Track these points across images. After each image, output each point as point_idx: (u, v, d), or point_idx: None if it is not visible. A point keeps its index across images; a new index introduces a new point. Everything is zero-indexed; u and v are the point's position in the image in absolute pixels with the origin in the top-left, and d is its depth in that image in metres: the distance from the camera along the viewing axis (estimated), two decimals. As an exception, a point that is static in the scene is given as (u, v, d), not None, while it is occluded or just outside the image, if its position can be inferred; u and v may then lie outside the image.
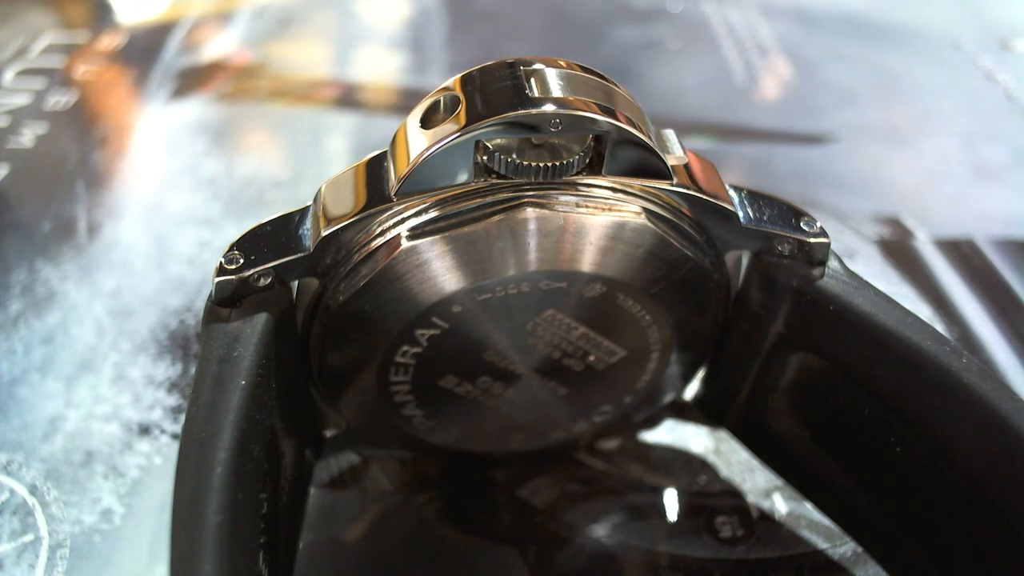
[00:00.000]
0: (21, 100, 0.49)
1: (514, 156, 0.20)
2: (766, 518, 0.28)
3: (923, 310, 0.36)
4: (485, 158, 0.20)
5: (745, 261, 0.25)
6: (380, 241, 0.21)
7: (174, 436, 0.30)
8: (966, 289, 0.37)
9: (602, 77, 0.21)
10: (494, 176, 0.20)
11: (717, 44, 0.57)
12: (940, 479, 0.22)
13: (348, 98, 0.51)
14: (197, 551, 0.16)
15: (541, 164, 0.20)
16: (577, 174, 0.21)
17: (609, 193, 0.21)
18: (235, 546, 0.17)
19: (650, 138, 0.21)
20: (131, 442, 0.29)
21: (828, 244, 0.23)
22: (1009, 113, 0.51)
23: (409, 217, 0.21)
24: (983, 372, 0.20)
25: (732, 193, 0.23)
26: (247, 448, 0.19)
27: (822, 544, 0.27)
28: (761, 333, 0.25)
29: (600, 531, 0.27)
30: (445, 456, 0.29)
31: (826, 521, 0.27)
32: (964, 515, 0.21)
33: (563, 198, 0.21)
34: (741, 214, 0.23)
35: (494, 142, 0.20)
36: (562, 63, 0.21)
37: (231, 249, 0.21)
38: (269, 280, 0.21)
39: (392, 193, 0.20)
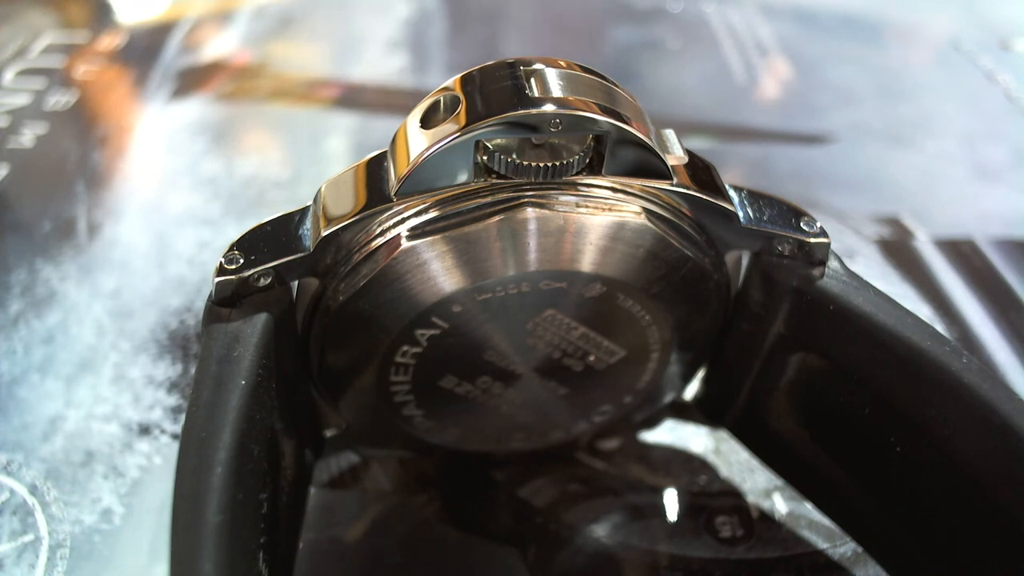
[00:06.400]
0: (21, 100, 0.49)
1: (514, 156, 0.20)
2: (766, 518, 0.28)
3: (923, 310, 0.36)
4: (485, 158, 0.20)
5: (745, 261, 0.25)
6: (380, 241, 0.21)
7: (174, 436, 0.30)
8: (966, 289, 0.37)
9: (602, 77, 0.21)
10: (494, 176, 0.20)
11: (717, 44, 0.57)
12: (940, 479, 0.22)
13: (348, 98, 0.51)
14: (197, 551, 0.16)
15: (541, 164, 0.20)
16: (577, 174, 0.21)
17: (609, 193, 0.21)
18: (235, 546, 0.17)
19: (650, 138, 0.21)
20: (131, 442, 0.29)
21: (828, 244, 0.23)
22: (1009, 113, 0.51)
23: (409, 217, 0.21)
24: (983, 372, 0.20)
25: (732, 193, 0.23)
26: (247, 448, 0.19)
27: (822, 544, 0.27)
28: (761, 333, 0.25)
29: (600, 531, 0.27)
30: (445, 456, 0.29)
31: (826, 521, 0.27)
32: (964, 515, 0.21)
33: (563, 198, 0.21)
34: (741, 214, 0.23)
35: (494, 142, 0.20)
36: (562, 63, 0.21)
37: (231, 249, 0.21)
38: (269, 280, 0.21)
39: (392, 193, 0.20)
